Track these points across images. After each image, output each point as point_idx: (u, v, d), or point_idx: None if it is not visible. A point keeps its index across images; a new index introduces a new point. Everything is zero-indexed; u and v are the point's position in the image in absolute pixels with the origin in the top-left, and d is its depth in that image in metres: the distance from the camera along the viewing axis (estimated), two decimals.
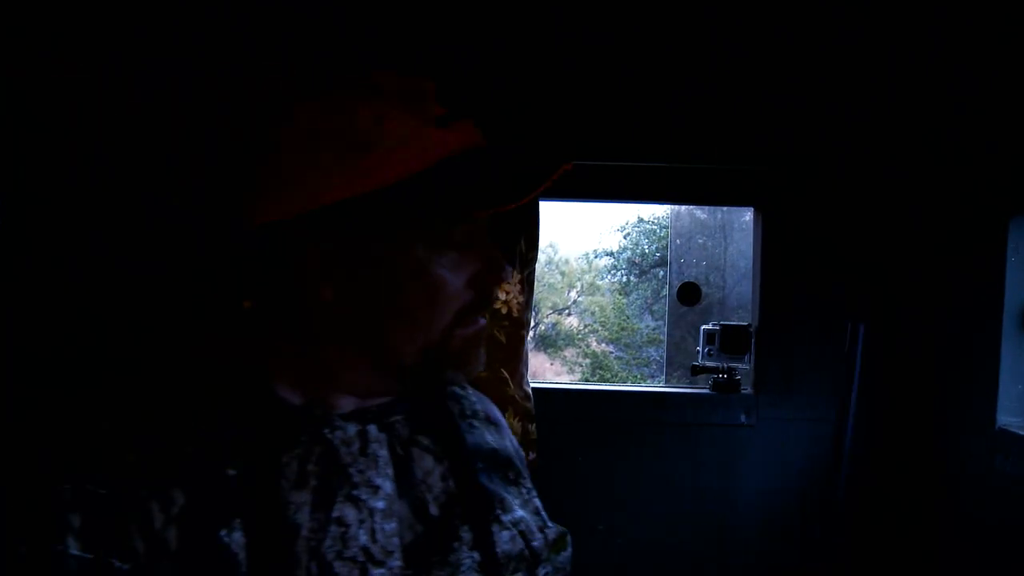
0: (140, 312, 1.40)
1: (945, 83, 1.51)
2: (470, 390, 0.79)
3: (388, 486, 0.59)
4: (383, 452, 0.61)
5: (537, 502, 0.72)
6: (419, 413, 0.67)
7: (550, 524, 0.71)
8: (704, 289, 2.13)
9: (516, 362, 1.49)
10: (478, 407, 0.76)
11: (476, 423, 0.74)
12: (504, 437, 0.77)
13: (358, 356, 0.61)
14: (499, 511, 0.66)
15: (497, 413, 0.80)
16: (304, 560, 0.53)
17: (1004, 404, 1.36)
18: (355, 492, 0.57)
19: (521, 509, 0.68)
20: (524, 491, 0.72)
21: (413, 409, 0.67)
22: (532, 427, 1.50)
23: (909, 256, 1.61)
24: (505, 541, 0.64)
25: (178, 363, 0.62)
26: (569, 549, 0.70)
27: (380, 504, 0.58)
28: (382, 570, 0.56)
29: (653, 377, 7.15)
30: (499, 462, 0.71)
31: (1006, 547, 1.31)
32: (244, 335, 0.64)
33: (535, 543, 0.67)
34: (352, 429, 0.60)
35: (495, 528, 0.64)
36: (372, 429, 0.61)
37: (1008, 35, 1.32)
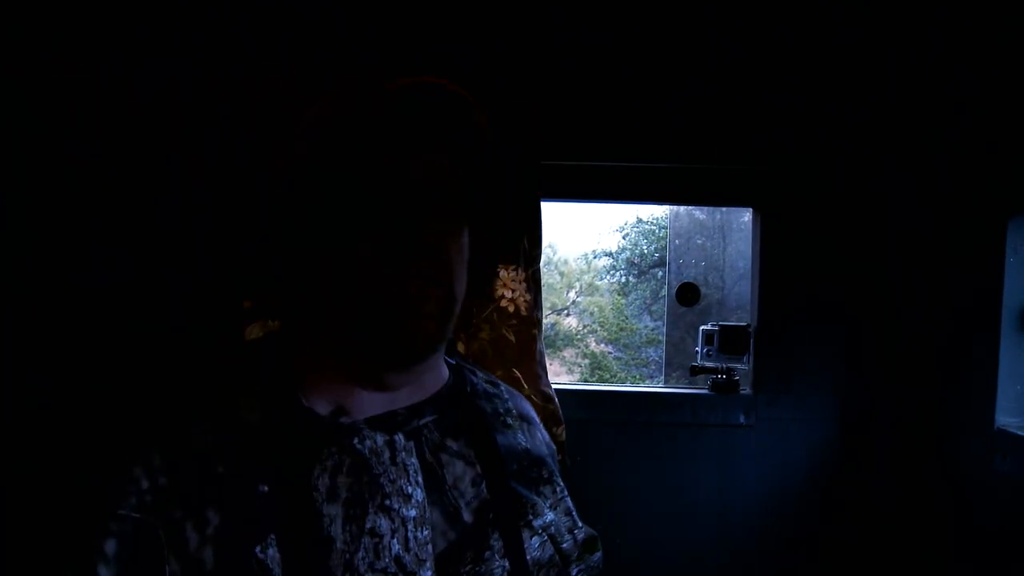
0: (142, 313, 1.40)
1: (945, 83, 1.52)
2: (503, 386, 0.78)
3: (419, 494, 0.60)
4: (412, 460, 0.61)
5: (569, 502, 0.72)
6: (449, 415, 0.67)
7: (580, 525, 0.70)
8: (703, 289, 2.13)
9: (529, 362, 1.43)
10: (510, 404, 0.76)
11: (509, 420, 0.73)
12: (536, 435, 0.76)
13: (344, 336, 0.61)
14: (530, 516, 0.66)
15: (529, 409, 0.80)
16: (339, 573, 0.54)
17: (1003, 404, 1.36)
18: (387, 502, 0.58)
19: (552, 511, 0.68)
20: (557, 489, 0.71)
21: (442, 411, 0.67)
22: (558, 430, 1.43)
23: (909, 256, 1.61)
24: (535, 548, 0.64)
25: (196, 373, 0.62)
26: (600, 551, 0.70)
27: (412, 513, 0.59)
28: None
29: (652, 377, 7.13)
30: (531, 462, 0.71)
31: (1005, 546, 1.31)
32: (266, 344, 0.65)
33: (564, 545, 0.66)
34: (380, 439, 0.60)
35: (526, 534, 0.64)
36: (399, 438, 0.61)
37: (1008, 35, 1.32)
